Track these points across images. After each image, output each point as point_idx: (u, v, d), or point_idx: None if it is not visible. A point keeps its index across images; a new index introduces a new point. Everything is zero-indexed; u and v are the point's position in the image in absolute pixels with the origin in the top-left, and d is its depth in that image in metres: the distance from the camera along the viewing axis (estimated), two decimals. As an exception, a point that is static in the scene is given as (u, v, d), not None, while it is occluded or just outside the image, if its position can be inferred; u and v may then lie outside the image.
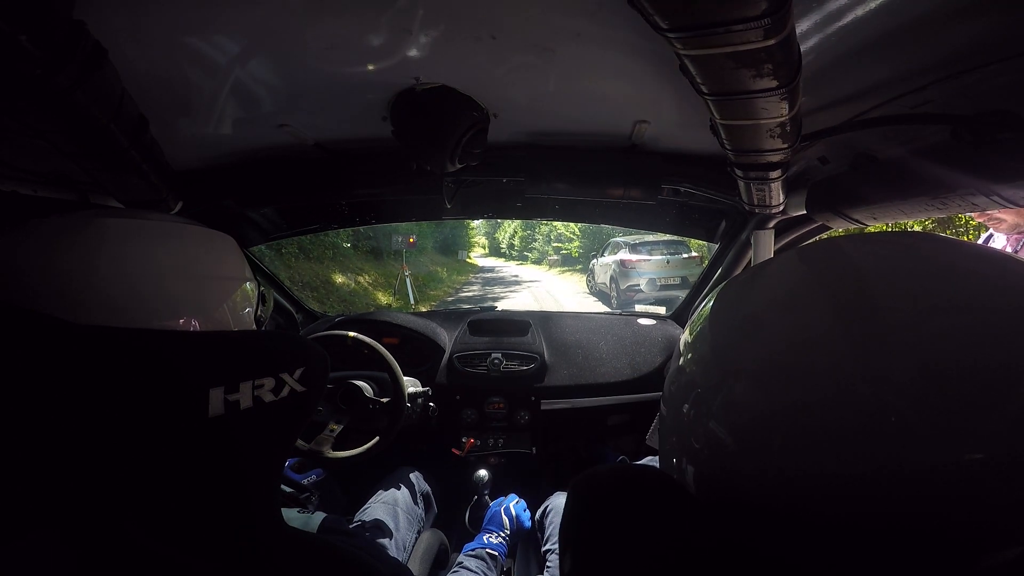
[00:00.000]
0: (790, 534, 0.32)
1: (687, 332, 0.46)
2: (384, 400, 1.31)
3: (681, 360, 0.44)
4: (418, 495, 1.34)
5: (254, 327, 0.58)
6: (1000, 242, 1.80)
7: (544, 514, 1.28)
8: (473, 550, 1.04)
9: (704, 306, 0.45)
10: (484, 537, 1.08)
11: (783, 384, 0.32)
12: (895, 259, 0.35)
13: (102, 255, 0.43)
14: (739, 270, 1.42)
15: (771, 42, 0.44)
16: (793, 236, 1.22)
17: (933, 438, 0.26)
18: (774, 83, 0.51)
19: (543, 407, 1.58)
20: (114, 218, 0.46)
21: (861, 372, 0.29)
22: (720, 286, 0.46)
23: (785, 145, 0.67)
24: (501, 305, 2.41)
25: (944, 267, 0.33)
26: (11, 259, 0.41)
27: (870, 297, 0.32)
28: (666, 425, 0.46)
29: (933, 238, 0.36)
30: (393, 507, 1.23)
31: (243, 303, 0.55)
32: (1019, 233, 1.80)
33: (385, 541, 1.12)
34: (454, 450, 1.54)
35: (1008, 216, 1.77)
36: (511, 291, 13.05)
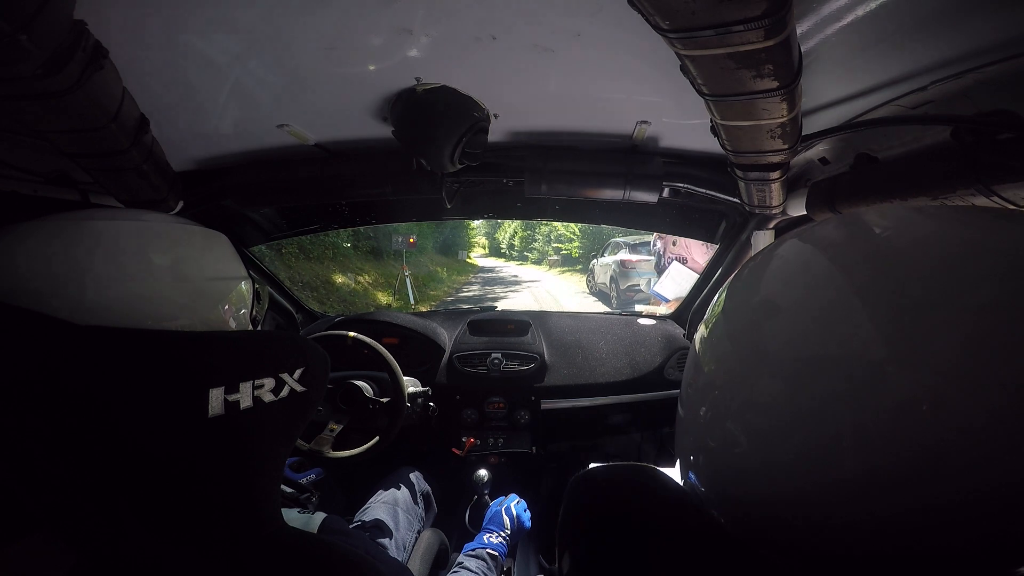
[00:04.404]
0: (797, 541, 0.31)
1: (702, 329, 0.44)
2: (384, 400, 1.31)
3: (698, 360, 0.43)
4: (418, 495, 1.34)
5: (249, 326, 0.58)
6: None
7: None
8: (473, 550, 1.04)
9: (717, 301, 0.43)
10: (484, 537, 1.08)
11: (806, 375, 0.30)
12: (914, 230, 0.32)
13: (96, 256, 0.43)
14: (739, 270, 1.42)
15: (771, 43, 0.44)
16: (793, 236, 1.22)
17: (983, 428, 0.22)
18: (774, 84, 0.51)
19: (543, 407, 1.58)
20: (107, 220, 0.46)
21: (892, 354, 0.26)
22: (730, 280, 0.45)
23: (785, 146, 0.67)
24: (501, 305, 2.41)
25: (967, 235, 0.29)
26: (9, 260, 0.42)
27: (894, 272, 0.29)
28: (683, 425, 0.46)
29: (944, 208, 0.34)
30: (393, 507, 1.23)
31: (238, 301, 0.55)
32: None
33: (385, 541, 1.12)
34: (454, 450, 1.54)
35: None
36: (511, 291, 13.04)
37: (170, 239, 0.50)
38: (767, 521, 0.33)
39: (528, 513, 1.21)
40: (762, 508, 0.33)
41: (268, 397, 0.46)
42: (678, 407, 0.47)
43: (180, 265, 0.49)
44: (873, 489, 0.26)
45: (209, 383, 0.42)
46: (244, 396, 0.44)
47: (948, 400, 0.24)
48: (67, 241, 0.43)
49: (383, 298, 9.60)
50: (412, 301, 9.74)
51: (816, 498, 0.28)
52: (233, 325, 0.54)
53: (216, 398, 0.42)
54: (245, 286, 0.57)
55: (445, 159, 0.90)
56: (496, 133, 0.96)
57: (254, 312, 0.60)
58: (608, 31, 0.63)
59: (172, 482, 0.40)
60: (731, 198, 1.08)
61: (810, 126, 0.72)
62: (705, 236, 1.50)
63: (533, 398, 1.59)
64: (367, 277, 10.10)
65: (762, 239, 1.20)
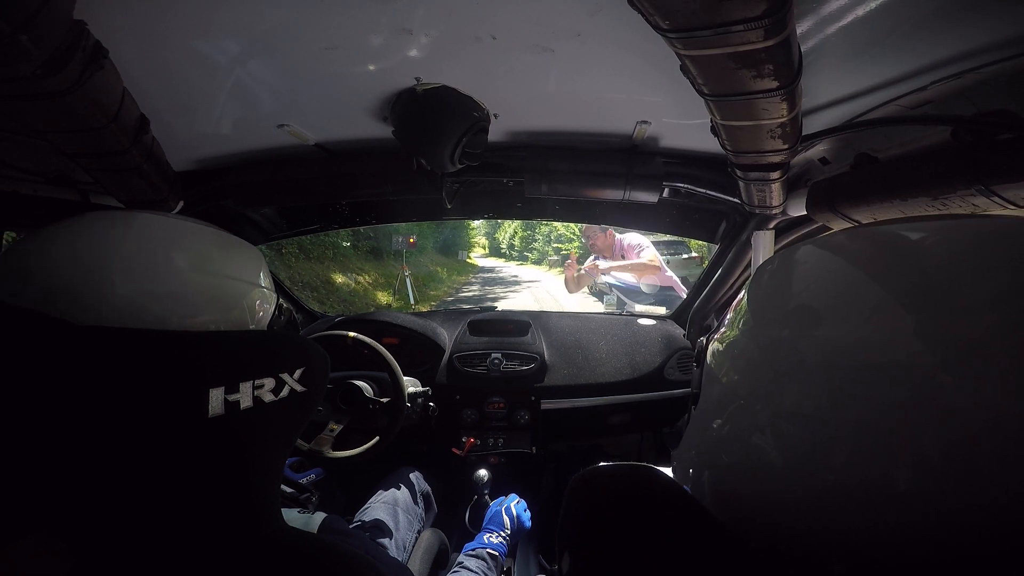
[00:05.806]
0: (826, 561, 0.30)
1: (717, 342, 0.44)
2: (384, 400, 1.31)
3: (713, 369, 0.42)
4: (418, 495, 1.34)
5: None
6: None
7: None
8: (473, 550, 1.04)
9: (740, 306, 0.42)
10: (484, 537, 1.08)
11: (852, 385, 0.28)
12: (957, 237, 0.32)
13: (132, 253, 0.45)
14: (739, 271, 1.42)
15: (771, 43, 0.44)
16: (793, 236, 1.22)
17: None
18: (774, 84, 0.51)
19: (543, 407, 1.58)
20: (160, 216, 0.49)
21: (944, 364, 0.25)
22: (748, 285, 0.44)
23: (785, 146, 0.67)
24: (501, 305, 2.41)
25: (1010, 240, 0.29)
26: (47, 258, 0.42)
27: (937, 280, 0.28)
28: (689, 436, 0.45)
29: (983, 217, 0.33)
30: (393, 507, 1.23)
31: (261, 301, 0.56)
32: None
33: (385, 541, 1.12)
34: (454, 450, 1.54)
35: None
36: (511, 291, 13.04)
37: (199, 238, 0.51)
38: (785, 527, 0.33)
39: (528, 513, 1.21)
40: (785, 514, 0.33)
41: (268, 397, 0.46)
42: (689, 418, 0.46)
43: (207, 264, 0.50)
44: (923, 492, 0.25)
45: (209, 383, 0.42)
46: (244, 396, 0.44)
47: (1004, 406, 0.23)
48: (96, 239, 0.44)
49: (383, 298, 9.60)
50: (412, 301, 9.74)
51: (856, 502, 0.28)
52: (254, 323, 0.54)
53: (216, 398, 0.42)
54: (267, 284, 0.59)
55: (445, 159, 0.90)
56: (496, 133, 0.96)
57: (273, 313, 0.61)
58: (608, 31, 0.63)
59: (172, 482, 0.40)
60: (731, 198, 1.08)
61: (810, 126, 0.72)
62: (705, 236, 1.50)
63: (533, 398, 1.59)
64: (367, 277, 10.10)
65: (762, 239, 1.19)
